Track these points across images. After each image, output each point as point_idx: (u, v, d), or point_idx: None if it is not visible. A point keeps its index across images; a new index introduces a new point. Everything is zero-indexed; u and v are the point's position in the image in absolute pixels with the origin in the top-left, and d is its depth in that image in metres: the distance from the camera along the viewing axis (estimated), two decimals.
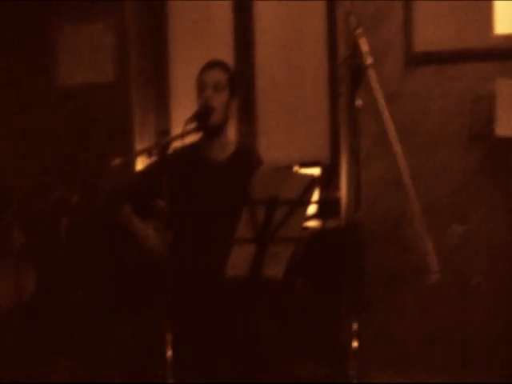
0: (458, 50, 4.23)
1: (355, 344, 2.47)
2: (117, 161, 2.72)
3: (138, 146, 4.77)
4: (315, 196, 2.84)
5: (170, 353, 2.69)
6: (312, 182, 2.67)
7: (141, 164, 4.59)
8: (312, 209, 4.29)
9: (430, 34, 4.26)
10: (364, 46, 2.15)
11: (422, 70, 4.30)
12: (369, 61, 2.14)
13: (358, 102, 2.34)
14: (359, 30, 2.15)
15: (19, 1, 4.94)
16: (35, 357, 4.20)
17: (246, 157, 3.41)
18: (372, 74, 2.13)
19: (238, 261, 2.69)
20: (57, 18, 4.98)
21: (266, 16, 4.93)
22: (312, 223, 4.20)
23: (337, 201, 4.43)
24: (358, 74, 2.15)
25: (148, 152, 2.83)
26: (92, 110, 4.86)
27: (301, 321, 3.88)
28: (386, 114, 2.14)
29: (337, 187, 4.48)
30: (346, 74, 2.17)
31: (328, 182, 4.46)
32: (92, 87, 4.89)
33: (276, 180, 2.64)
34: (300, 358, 3.74)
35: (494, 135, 3.96)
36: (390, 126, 2.18)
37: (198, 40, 5.02)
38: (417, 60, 4.30)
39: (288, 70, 4.89)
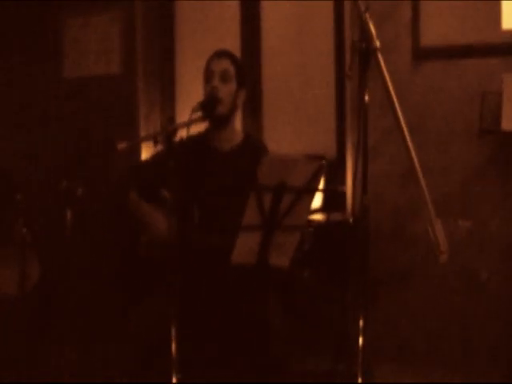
0: (466, 45, 4.21)
1: (361, 341, 2.45)
2: (123, 145, 2.71)
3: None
4: (322, 184, 2.81)
5: (174, 345, 2.68)
6: (320, 167, 2.66)
7: (146, 151, 4.61)
8: (317, 202, 4.29)
9: (438, 29, 4.25)
10: (372, 29, 2.14)
11: (430, 65, 4.29)
12: (377, 44, 2.13)
13: (366, 97, 2.33)
14: (367, 14, 2.15)
15: None
16: (39, 346, 4.20)
17: (253, 147, 3.39)
18: (380, 58, 2.12)
19: (245, 248, 2.67)
20: (63, 10, 4.99)
21: (273, 10, 4.93)
22: (317, 216, 4.20)
23: (342, 195, 4.43)
24: (366, 57, 2.15)
25: (154, 138, 2.81)
26: (98, 101, 4.87)
27: (306, 313, 3.87)
28: (394, 98, 2.13)
29: (342, 181, 4.48)
30: (354, 57, 2.17)
31: (333, 175, 4.46)
32: (98, 79, 4.90)
33: (283, 166, 2.63)
34: (304, 351, 3.73)
35: (501, 130, 3.95)
36: (399, 113, 2.17)
37: (204, 31, 5.03)
38: (424, 55, 4.29)
39: (294, 63, 4.89)
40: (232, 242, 2.66)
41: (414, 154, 2.13)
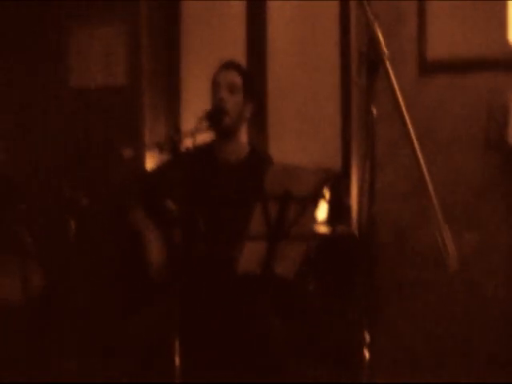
0: (472, 59, 4.20)
1: (367, 356, 2.42)
2: (128, 152, 2.70)
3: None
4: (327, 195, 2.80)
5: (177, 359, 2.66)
6: (326, 177, 2.65)
7: (151, 160, 4.60)
8: (322, 215, 4.27)
9: (444, 43, 4.25)
10: (381, 37, 2.13)
11: (436, 79, 4.28)
12: (386, 52, 2.12)
13: (373, 108, 2.32)
14: (376, 22, 2.14)
15: (32, 3, 4.95)
16: (41, 355, 4.18)
17: (259, 159, 3.38)
18: (389, 66, 2.11)
19: (250, 257, 2.66)
20: (69, 21, 5.00)
21: (279, 17, 4.92)
22: (322, 229, 4.18)
23: (347, 208, 4.42)
24: (374, 66, 2.13)
25: (159, 146, 2.80)
26: (104, 112, 4.87)
27: (311, 324, 3.85)
28: (403, 107, 2.12)
29: (348, 194, 4.46)
30: (361, 66, 2.15)
31: (339, 188, 4.44)
32: (104, 90, 4.90)
33: (289, 176, 2.62)
34: (308, 362, 3.71)
35: (508, 144, 3.94)
36: (407, 120, 2.15)
37: (210, 41, 5.03)
38: (430, 69, 4.28)
39: (300, 74, 4.87)
40: (237, 252, 2.65)
41: (421, 159, 2.10)
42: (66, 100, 4.96)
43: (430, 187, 2.12)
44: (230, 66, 3.37)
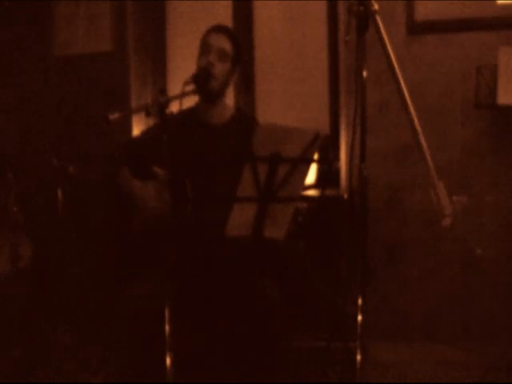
0: (460, 19, 4.20)
1: (359, 318, 2.42)
2: (114, 115, 2.66)
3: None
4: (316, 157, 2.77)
5: (168, 326, 2.64)
6: (315, 137, 2.61)
7: (137, 125, 4.57)
8: (311, 179, 4.25)
9: (432, 4, 4.23)
10: None
11: (424, 40, 4.28)
12: (375, 6, 2.08)
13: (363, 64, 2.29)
14: None
15: None
16: (33, 326, 4.17)
17: (244, 121, 3.37)
18: (379, 21, 2.07)
19: (239, 221, 2.63)
20: None
21: None
22: (311, 192, 4.17)
23: (336, 171, 4.40)
24: (364, 21, 2.10)
25: (146, 110, 2.76)
26: (90, 79, 4.83)
27: (301, 287, 3.84)
28: (394, 62, 2.09)
29: (336, 157, 4.44)
30: (350, 21, 2.12)
31: (327, 152, 4.42)
32: (89, 57, 4.84)
33: (278, 136, 2.58)
34: (299, 327, 3.71)
35: (497, 103, 3.92)
36: (399, 77, 2.12)
37: (196, 5, 4.97)
38: (419, 29, 4.28)
39: (288, 38, 4.84)
40: (226, 215, 2.62)
41: (415, 117, 2.08)
42: (51, 68, 4.90)
43: (424, 145, 2.09)
44: (222, 30, 3.32)
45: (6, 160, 4.41)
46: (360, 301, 2.40)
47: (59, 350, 4.06)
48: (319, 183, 4.24)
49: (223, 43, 3.25)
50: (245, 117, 3.44)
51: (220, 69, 3.23)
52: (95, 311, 4.24)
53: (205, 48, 3.25)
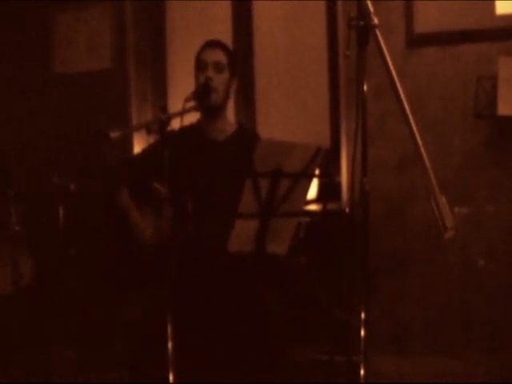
0: (459, 31, 4.21)
1: (362, 332, 2.41)
2: (116, 133, 2.65)
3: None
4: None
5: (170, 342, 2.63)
6: (316, 152, 2.61)
7: (138, 142, 4.57)
8: (312, 193, 4.25)
9: (431, 15, 4.24)
10: (370, 5, 2.10)
11: (424, 52, 4.29)
12: (375, 21, 2.08)
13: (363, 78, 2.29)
14: None
15: None
16: (34, 344, 4.16)
17: (247, 136, 3.37)
18: (379, 34, 2.07)
19: (241, 236, 2.63)
20: (53, 5, 4.94)
21: None
22: (312, 207, 4.16)
23: (337, 185, 4.40)
24: (364, 35, 2.10)
25: (147, 127, 2.76)
26: (90, 95, 4.84)
27: (303, 301, 3.83)
28: (394, 75, 2.08)
29: (337, 171, 4.44)
30: (350, 36, 2.12)
31: (328, 166, 4.42)
32: (89, 74, 4.86)
33: (279, 151, 2.58)
34: (302, 341, 3.69)
35: (497, 114, 3.92)
36: (399, 91, 2.12)
37: (196, 23, 4.98)
38: (418, 41, 4.29)
39: (288, 52, 4.84)
40: (228, 230, 2.62)
41: (415, 130, 2.07)
42: (51, 85, 4.91)
43: (425, 157, 2.09)
44: (214, 44, 3.34)
45: (7, 177, 4.41)
46: (363, 314, 2.39)
47: (60, 365, 4.06)
48: (321, 197, 4.24)
49: (217, 56, 3.28)
50: (247, 132, 3.45)
51: (218, 80, 3.24)
52: (96, 325, 4.24)
53: (200, 65, 3.28)
